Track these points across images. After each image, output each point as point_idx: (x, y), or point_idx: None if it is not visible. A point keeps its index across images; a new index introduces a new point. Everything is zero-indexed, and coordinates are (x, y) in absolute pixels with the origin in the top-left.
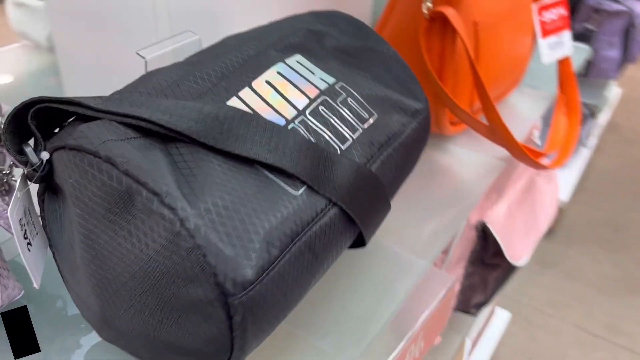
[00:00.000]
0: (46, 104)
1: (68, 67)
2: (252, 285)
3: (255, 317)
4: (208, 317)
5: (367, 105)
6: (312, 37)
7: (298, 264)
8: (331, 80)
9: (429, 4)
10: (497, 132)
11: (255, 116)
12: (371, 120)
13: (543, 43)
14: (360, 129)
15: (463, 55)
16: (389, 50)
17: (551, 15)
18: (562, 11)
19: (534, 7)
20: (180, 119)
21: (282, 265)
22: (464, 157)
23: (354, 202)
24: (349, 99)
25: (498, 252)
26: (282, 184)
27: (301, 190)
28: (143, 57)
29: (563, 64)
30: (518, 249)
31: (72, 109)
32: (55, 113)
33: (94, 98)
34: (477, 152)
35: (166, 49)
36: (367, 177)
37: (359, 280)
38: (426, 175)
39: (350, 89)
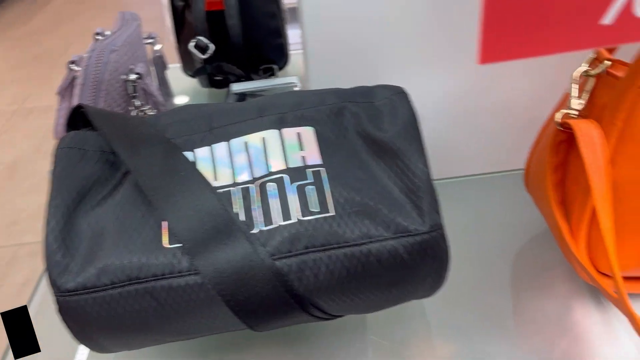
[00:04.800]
0: None
1: None
2: (70, 293)
3: (76, 320)
4: None
5: (330, 202)
6: (336, 114)
7: (133, 302)
8: (315, 162)
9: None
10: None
11: (189, 171)
12: (317, 217)
13: None
14: (294, 220)
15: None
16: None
17: None
18: None
19: None
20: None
21: (110, 294)
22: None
23: (228, 284)
24: (311, 187)
25: None
26: (162, 232)
27: (173, 246)
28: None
29: None
30: None
31: None
32: None
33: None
34: None
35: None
36: (259, 268)
37: None
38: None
39: (325, 179)
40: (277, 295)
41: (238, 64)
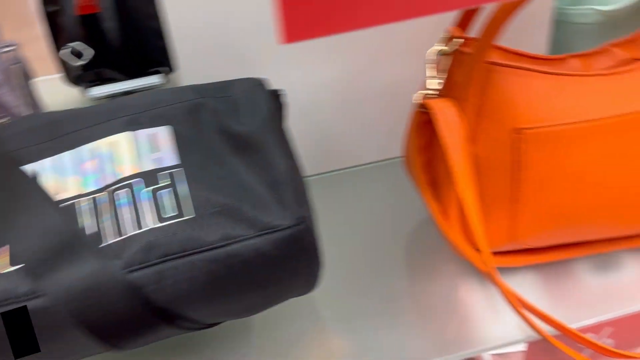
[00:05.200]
0: None
1: None
2: None
3: None
4: None
5: (187, 204)
6: (192, 111)
7: None
8: (171, 163)
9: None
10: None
11: (28, 186)
12: (173, 222)
13: None
14: (148, 228)
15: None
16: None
17: None
18: None
19: None
20: None
21: None
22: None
23: (78, 304)
24: (166, 191)
25: None
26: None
27: (14, 268)
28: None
29: None
30: None
31: None
32: None
33: None
34: None
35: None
36: (109, 284)
37: None
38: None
39: (182, 180)
40: (132, 311)
41: (120, 68)
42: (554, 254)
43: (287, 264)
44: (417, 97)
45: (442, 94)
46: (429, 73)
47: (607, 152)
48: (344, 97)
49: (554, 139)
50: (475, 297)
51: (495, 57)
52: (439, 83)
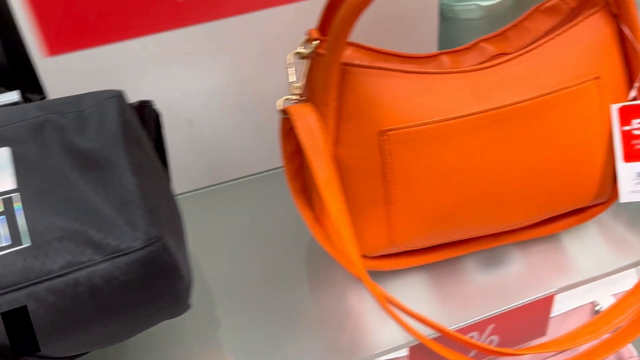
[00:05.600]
0: None
1: None
2: None
3: None
4: None
5: (24, 232)
6: (37, 129)
7: None
8: (6, 189)
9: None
10: None
11: None
12: (8, 252)
13: (624, 170)
14: None
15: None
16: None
17: None
18: None
19: (614, 110)
20: None
21: None
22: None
23: None
24: (0, 218)
25: None
26: None
27: None
28: None
29: None
30: None
31: None
32: None
33: None
34: None
35: None
36: None
37: None
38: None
39: (17, 207)
40: None
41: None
42: (439, 253)
43: (144, 287)
44: (279, 103)
45: (306, 98)
46: (290, 78)
47: (473, 149)
48: (229, 107)
49: (419, 139)
50: (368, 303)
51: (360, 58)
52: (299, 87)
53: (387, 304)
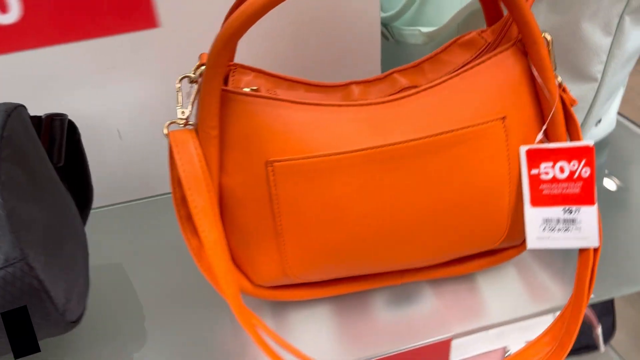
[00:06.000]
0: None
1: None
2: None
3: None
4: None
5: None
6: None
7: None
8: None
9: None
10: None
11: None
12: None
13: (531, 215)
14: None
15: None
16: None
17: (556, 172)
18: (584, 170)
19: (522, 152)
20: None
21: None
22: None
23: None
24: None
25: None
26: None
27: None
28: None
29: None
30: None
31: None
32: None
33: None
34: None
35: None
36: None
37: None
38: None
39: None
40: None
41: None
42: (341, 287)
43: (9, 307)
44: (164, 127)
45: (192, 124)
46: (178, 101)
47: (364, 185)
48: (158, 120)
49: (305, 172)
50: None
51: (263, 84)
52: (183, 112)
53: (256, 329)
